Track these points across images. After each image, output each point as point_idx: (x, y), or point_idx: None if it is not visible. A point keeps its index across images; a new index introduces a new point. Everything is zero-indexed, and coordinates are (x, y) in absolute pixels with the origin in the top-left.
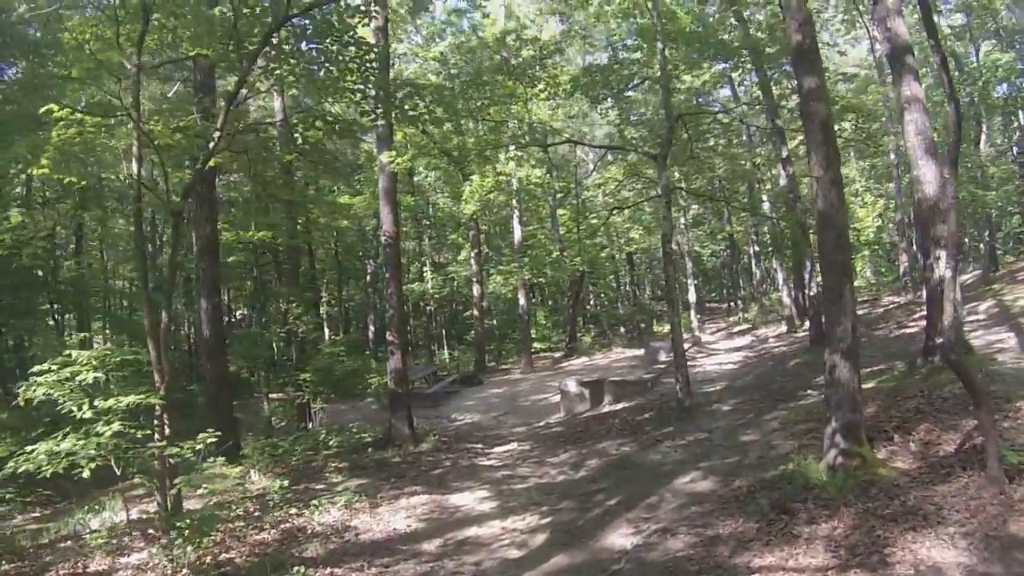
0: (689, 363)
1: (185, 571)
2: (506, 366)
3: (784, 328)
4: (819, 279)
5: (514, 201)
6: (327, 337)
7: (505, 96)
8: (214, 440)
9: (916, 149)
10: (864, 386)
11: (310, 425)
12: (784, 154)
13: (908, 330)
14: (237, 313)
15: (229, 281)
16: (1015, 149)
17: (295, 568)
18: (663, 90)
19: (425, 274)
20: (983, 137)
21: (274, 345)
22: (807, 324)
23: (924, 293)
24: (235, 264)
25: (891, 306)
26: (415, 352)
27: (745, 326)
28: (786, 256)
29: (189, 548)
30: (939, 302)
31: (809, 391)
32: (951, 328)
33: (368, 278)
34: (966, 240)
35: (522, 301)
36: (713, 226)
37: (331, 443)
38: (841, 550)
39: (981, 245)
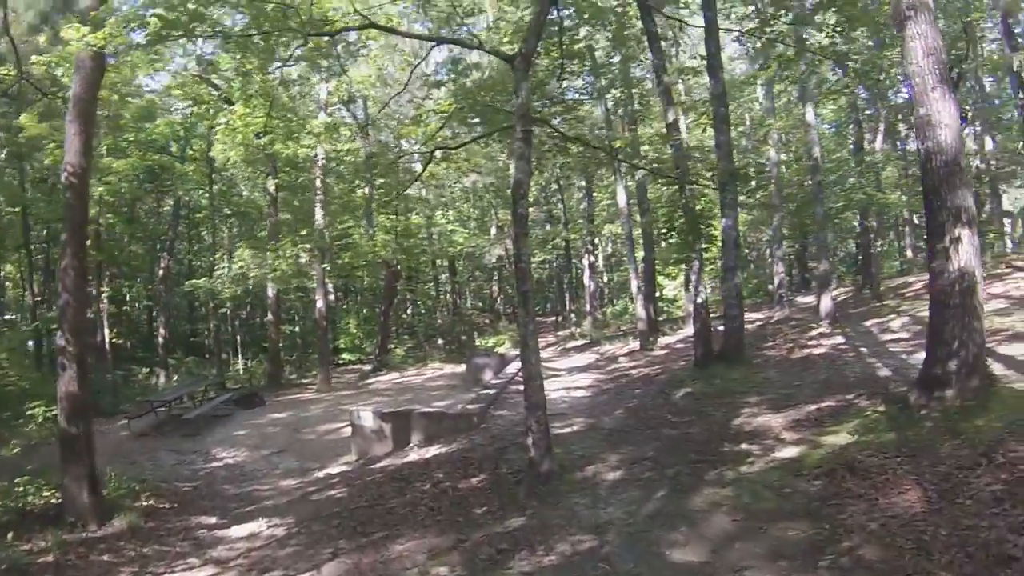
0: (519, 387)
1: None
2: (307, 380)
3: (635, 345)
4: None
5: (317, 181)
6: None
7: None
8: None
9: (925, 76)
10: (837, 440)
11: None
12: (671, 118)
13: (814, 351)
14: None
15: None
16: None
17: None
18: None
19: (219, 269)
20: (879, 135)
21: None
22: (661, 341)
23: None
24: None
25: (763, 323)
26: (205, 362)
27: (582, 341)
28: (680, 246)
29: None
30: (955, 307)
31: (743, 443)
32: (974, 346)
33: (161, 270)
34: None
35: (319, 303)
36: (547, 232)
37: None
38: None
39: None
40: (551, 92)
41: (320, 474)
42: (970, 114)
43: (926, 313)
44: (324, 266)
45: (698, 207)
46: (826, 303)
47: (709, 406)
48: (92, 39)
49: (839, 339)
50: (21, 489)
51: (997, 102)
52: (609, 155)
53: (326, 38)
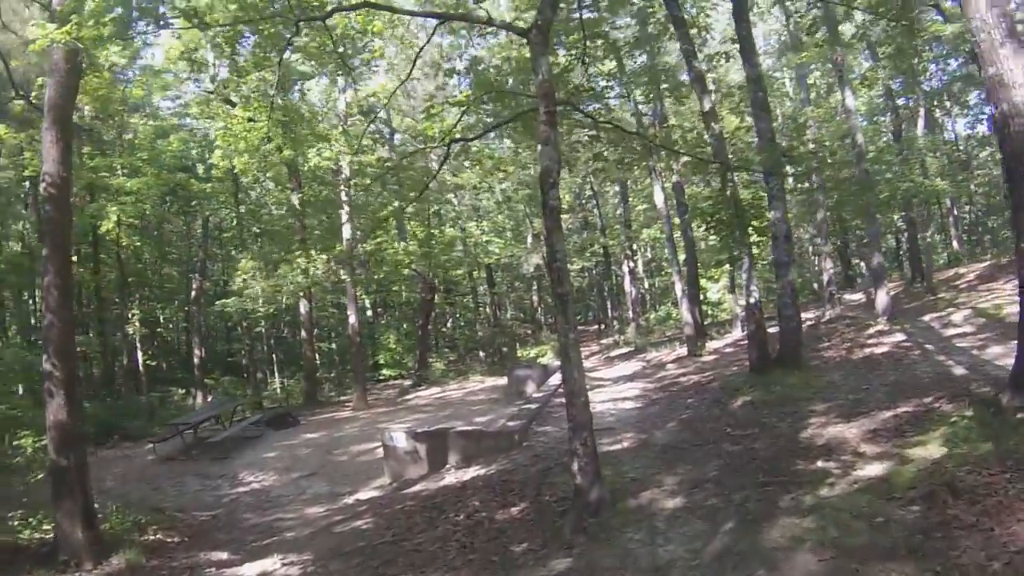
0: (563, 399)
1: None
2: (345, 398)
3: (683, 351)
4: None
5: (343, 193)
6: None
7: None
8: None
9: (991, 31)
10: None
11: None
12: (707, 106)
13: (875, 350)
14: None
15: None
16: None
17: None
18: None
19: (250, 285)
20: (920, 120)
21: None
22: (709, 345)
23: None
24: None
25: (814, 323)
26: (242, 381)
27: (627, 349)
28: (725, 244)
29: None
30: None
31: (818, 460)
32: None
33: (192, 292)
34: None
35: (352, 319)
36: (584, 239)
37: None
38: None
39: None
40: (575, 80)
41: (349, 500)
42: None
43: (987, 305)
44: (354, 276)
45: (743, 200)
46: (882, 299)
47: (771, 416)
48: (58, 35)
49: (900, 336)
50: (16, 524)
51: None
52: (644, 142)
53: (326, 30)
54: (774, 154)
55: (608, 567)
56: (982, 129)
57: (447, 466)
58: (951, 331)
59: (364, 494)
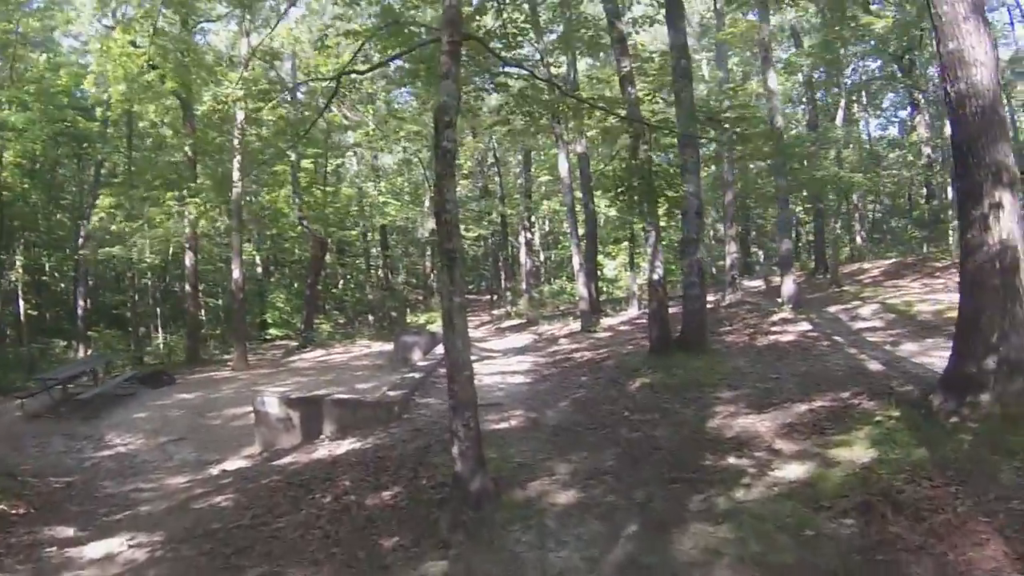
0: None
1: None
2: (228, 356)
3: (576, 326)
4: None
5: (235, 139)
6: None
7: None
8: None
9: (956, 4)
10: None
11: None
12: (625, 69)
13: (780, 337)
14: None
15: None
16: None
17: None
18: None
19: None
20: (840, 112)
21: None
22: (604, 322)
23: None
24: None
25: (714, 306)
26: (127, 335)
27: (518, 321)
28: (632, 213)
29: None
30: (994, 290)
31: (729, 456)
32: (1018, 338)
33: (82, 239)
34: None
35: (236, 274)
36: (483, 207)
37: None
38: None
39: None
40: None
41: (215, 470)
42: (922, 100)
43: (896, 301)
44: (240, 227)
45: (656, 167)
46: (788, 286)
47: (674, 401)
48: None
49: (806, 326)
50: None
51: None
52: (555, 93)
53: None
54: (693, 118)
55: (490, 574)
56: (893, 131)
57: (321, 436)
58: (860, 324)
59: (232, 463)
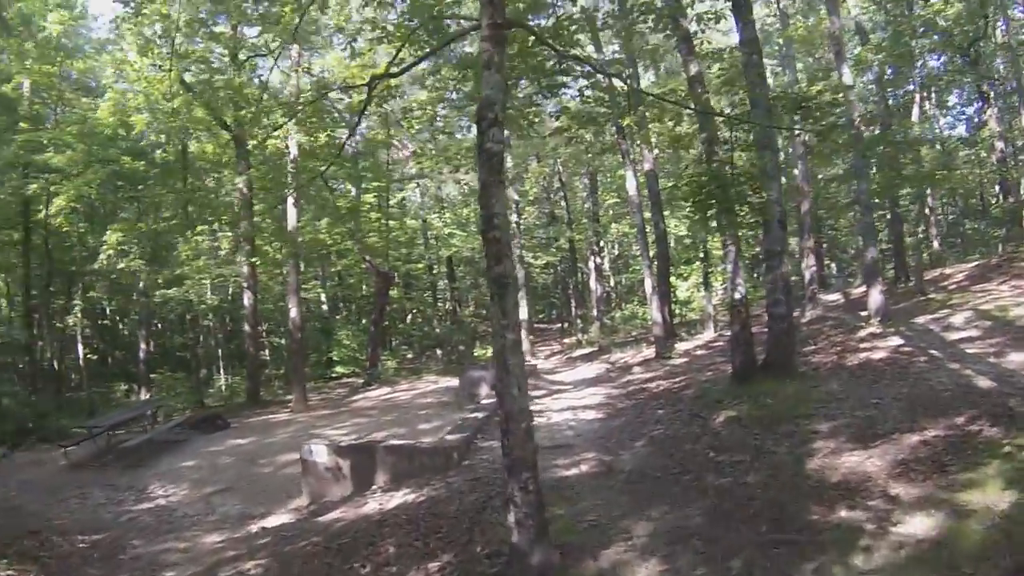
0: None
1: None
2: (290, 398)
3: (650, 352)
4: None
5: (289, 176)
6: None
7: None
8: None
9: None
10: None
11: None
12: (693, 71)
13: (871, 355)
14: None
15: None
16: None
17: None
18: None
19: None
20: (915, 109)
21: None
22: (679, 347)
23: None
24: None
25: (795, 324)
26: (188, 378)
27: (590, 349)
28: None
29: None
30: None
31: (839, 507)
32: None
33: (141, 283)
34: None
35: (293, 312)
36: (550, 233)
37: None
38: None
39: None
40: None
41: (255, 527)
42: (991, 94)
43: (989, 306)
44: (292, 256)
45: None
46: (876, 298)
47: (766, 437)
48: None
49: (897, 340)
50: None
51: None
52: (620, 85)
53: None
54: (770, 116)
55: None
56: (960, 129)
57: (373, 487)
58: (955, 335)
59: (275, 518)
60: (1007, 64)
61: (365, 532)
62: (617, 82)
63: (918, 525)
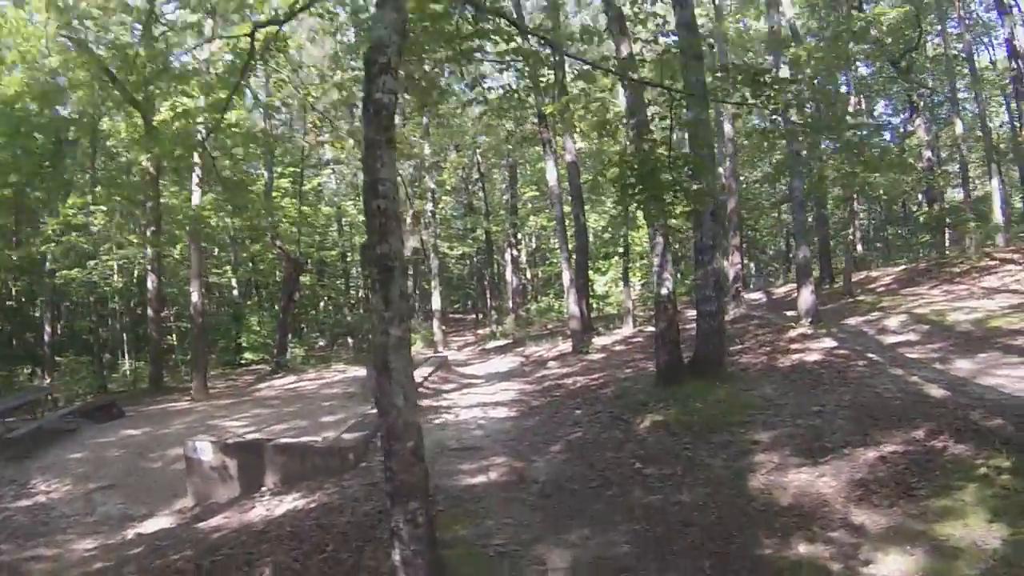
0: (434, 403)
1: None
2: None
3: (567, 346)
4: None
5: (195, 156)
6: None
7: None
8: None
9: None
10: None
11: None
12: (624, 52)
13: (805, 357)
14: None
15: None
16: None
17: None
18: None
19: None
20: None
21: None
22: (596, 342)
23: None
24: None
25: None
26: (93, 362)
27: (504, 341)
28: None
29: None
30: None
31: (794, 539)
32: None
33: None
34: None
35: (194, 296)
36: (466, 224)
37: None
38: None
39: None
40: None
41: (131, 533)
42: (920, 103)
43: (925, 310)
44: (195, 236)
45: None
46: (806, 297)
47: (698, 447)
48: None
49: (830, 342)
50: None
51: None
52: (547, 45)
53: None
54: (706, 101)
55: None
56: (886, 136)
57: (263, 488)
58: (891, 338)
59: (155, 522)
60: (935, 77)
61: (243, 546)
62: (545, 49)
63: (893, 566)
